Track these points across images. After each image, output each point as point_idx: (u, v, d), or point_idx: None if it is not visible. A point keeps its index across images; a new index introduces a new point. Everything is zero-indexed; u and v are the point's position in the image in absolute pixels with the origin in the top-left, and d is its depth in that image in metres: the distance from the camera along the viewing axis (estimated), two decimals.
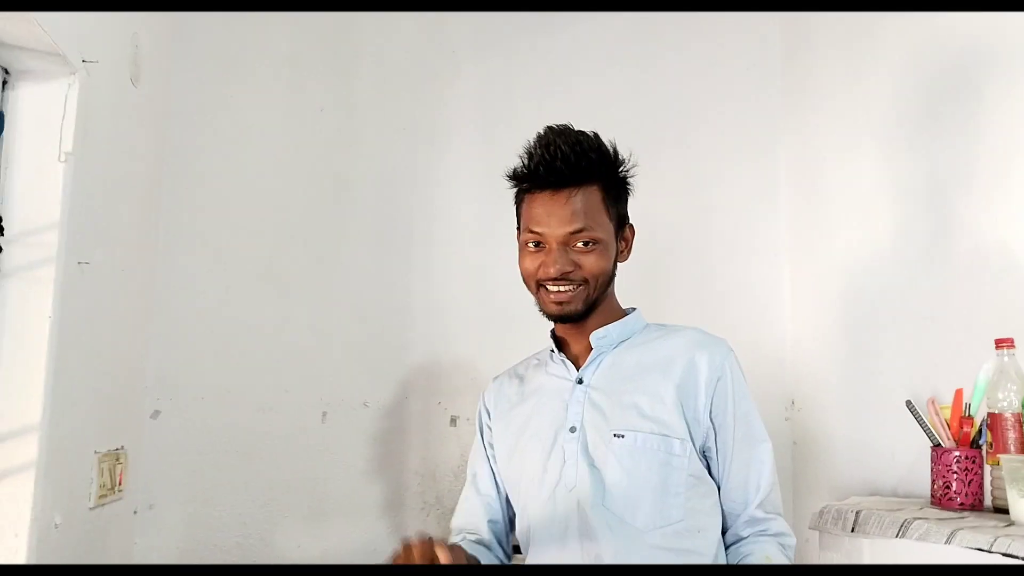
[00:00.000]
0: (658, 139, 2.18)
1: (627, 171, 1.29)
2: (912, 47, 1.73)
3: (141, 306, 1.89)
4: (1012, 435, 1.34)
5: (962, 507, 1.37)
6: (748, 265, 2.18)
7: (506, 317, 1.91)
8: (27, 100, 1.46)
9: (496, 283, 2.01)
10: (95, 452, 1.63)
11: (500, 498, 1.36)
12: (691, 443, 1.20)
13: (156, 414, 1.93)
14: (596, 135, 1.26)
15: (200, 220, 2.01)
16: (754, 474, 1.23)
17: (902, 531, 1.23)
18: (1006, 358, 1.38)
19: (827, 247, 1.99)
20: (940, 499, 1.40)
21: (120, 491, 1.74)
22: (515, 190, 1.30)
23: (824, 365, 1.96)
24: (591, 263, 1.23)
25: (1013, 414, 1.34)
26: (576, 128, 1.25)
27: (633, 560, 1.15)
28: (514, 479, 1.31)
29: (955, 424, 1.43)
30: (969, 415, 1.42)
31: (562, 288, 1.23)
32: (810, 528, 1.46)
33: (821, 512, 1.44)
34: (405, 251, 2.09)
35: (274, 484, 1.97)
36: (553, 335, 1.34)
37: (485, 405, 1.40)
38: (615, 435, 1.20)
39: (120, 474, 1.73)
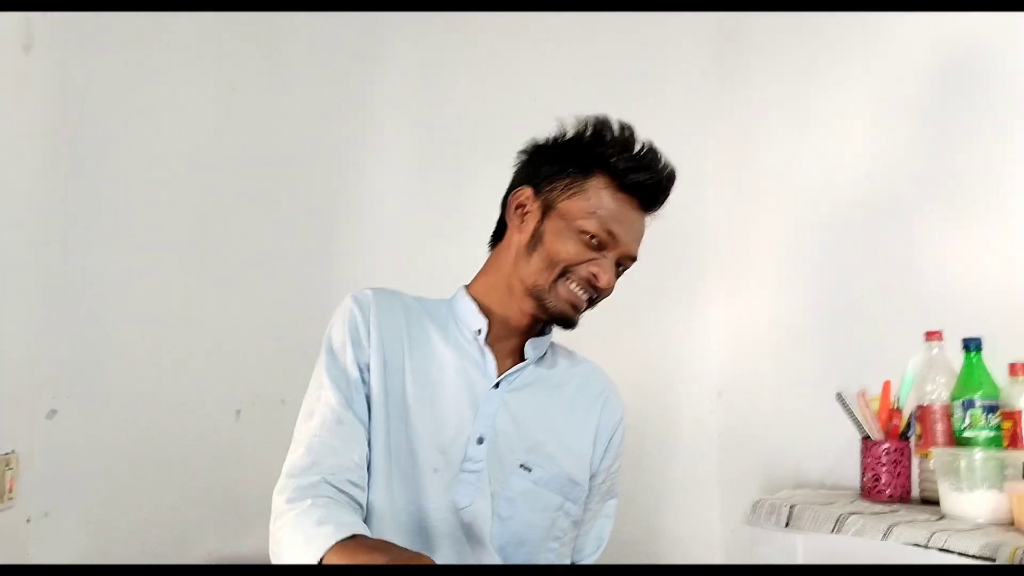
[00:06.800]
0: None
1: None
2: (854, 37, 1.74)
3: (37, 295, 1.73)
4: (940, 427, 1.36)
5: (891, 499, 1.38)
6: (676, 254, 2.16)
7: None
8: None
9: (427, 271, 1.93)
10: None
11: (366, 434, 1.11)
12: (586, 489, 1.18)
13: (52, 413, 1.77)
14: None
15: (104, 203, 1.85)
16: (603, 527, 1.24)
17: (837, 526, 1.23)
18: (935, 350, 1.40)
19: (757, 235, 1.99)
20: (870, 491, 1.41)
21: (11, 498, 1.59)
22: (584, 156, 1.18)
23: (753, 357, 1.97)
24: (611, 289, 1.17)
25: (941, 406, 1.36)
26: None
27: None
28: (394, 445, 1.09)
29: (884, 416, 1.45)
30: (898, 407, 1.44)
31: (588, 297, 1.17)
32: (745, 524, 1.45)
33: (755, 506, 1.43)
34: (328, 238, 1.98)
35: (184, 487, 1.84)
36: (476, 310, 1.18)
37: (365, 319, 1.16)
38: (521, 465, 1.11)
39: (10, 480, 1.58)
